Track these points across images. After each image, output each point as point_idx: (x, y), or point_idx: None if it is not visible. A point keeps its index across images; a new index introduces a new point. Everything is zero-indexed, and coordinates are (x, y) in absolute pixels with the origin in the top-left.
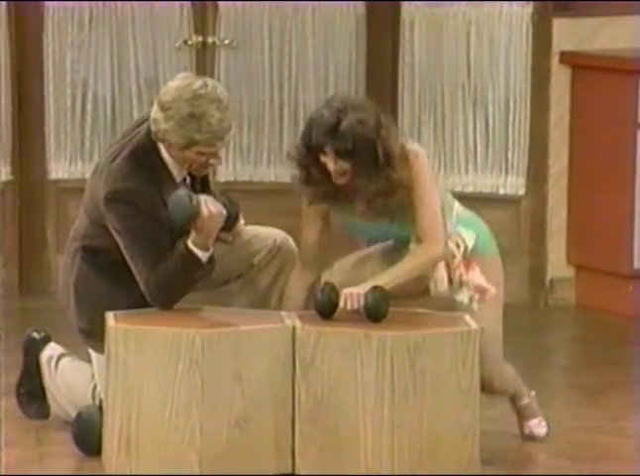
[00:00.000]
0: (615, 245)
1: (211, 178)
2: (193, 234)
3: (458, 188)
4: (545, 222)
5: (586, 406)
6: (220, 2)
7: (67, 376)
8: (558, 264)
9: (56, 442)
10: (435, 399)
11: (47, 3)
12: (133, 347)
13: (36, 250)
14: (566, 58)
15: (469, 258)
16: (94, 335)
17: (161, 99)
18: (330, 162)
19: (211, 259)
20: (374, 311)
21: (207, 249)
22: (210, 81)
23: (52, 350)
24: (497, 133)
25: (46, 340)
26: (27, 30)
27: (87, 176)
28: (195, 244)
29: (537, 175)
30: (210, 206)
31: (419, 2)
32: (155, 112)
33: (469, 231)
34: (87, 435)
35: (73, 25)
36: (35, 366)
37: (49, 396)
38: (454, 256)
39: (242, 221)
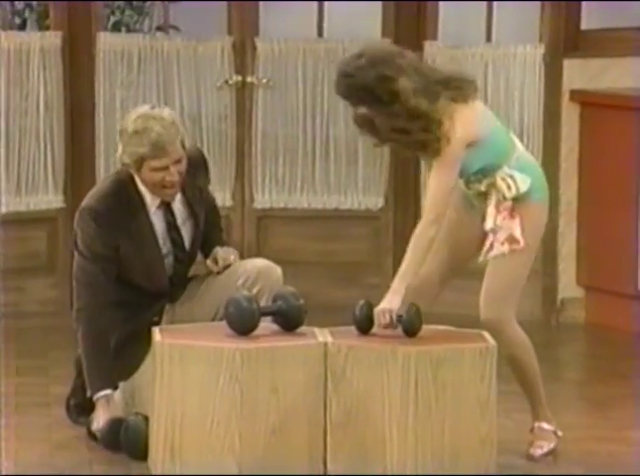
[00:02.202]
0: (621, 267)
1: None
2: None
3: None
4: (556, 246)
5: (595, 417)
6: (258, 44)
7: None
8: (568, 285)
9: (104, 448)
10: (455, 410)
11: (98, 47)
12: (177, 361)
13: None
14: (575, 96)
15: (518, 202)
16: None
17: (118, 131)
18: (354, 109)
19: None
20: (410, 328)
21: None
22: (161, 107)
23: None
24: None
25: None
26: (80, 72)
27: None
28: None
29: (549, 202)
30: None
31: (440, 43)
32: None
33: (524, 175)
34: (134, 441)
35: (123, 66)
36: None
37: None
38: (504, 197)
39: (232, 257)
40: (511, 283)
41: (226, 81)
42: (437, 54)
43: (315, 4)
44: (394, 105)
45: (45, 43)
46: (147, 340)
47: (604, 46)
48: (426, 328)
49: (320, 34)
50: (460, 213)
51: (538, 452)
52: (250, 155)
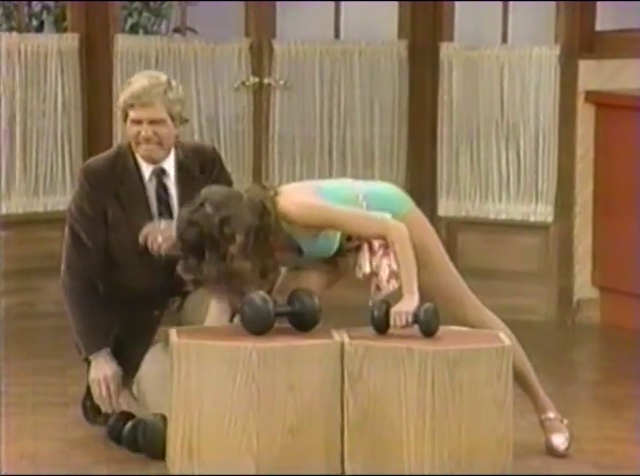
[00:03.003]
0: (637, 268)
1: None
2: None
3: (492, 216)
4: (572, 247)
5: (610, 417)
6: (275, 46)
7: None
8: (584, 286)
9: (123, 447)
10: (472, 410)
11: (115, 49)
12: (194, 361)
13: None
14: (590, 96)
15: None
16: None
17: None
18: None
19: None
20: (428, 327)
21: None
22: (157, 72)
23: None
24: (528, 165)
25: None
26: (97, 73)
27: None
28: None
29: (564, 203)
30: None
31: (457, 45)
32: None
33: (382, 212)
34: (152, 441)
35: (140, 68)
36: None
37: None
38: (372, 242)
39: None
40: (449, 288)
41: (243, 83)
42: (453, 55)
43: (332, 5)
44: (220, 261)
45: (62, 45)
46: (147, 337)
47: (619, 47)
48: (442, 329)
49: (337, 35)
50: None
51: (563, 446)
52: (267, 156)
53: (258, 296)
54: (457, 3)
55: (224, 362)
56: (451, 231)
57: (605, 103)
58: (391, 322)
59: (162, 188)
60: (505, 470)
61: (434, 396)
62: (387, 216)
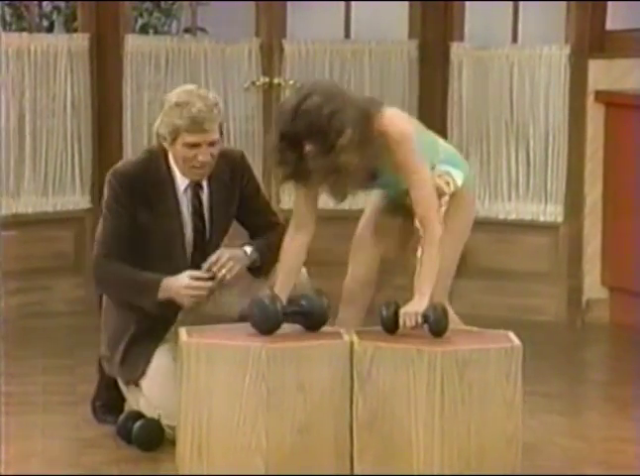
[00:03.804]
0: None
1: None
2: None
3: (502, 216)
4: (581, 247)
5: (620, 417)
6: (285, 46)
7: (134, 390)
8: (593, 285)
9: (134, 446)
10: (481, 410)
11: (125, 49)
12: (204, 360)
13: None
14: (600, 96)
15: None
16: (110, 360)
17: (162, 103)
18: (306, 145)
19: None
20: (437, 328)
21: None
22: (205, 88)
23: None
24: (538, 165)
25: None
26: (107, 74)
27: None
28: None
29: (574, 203)
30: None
31: (467, 45)
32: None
33: (457, 170)
34: (149, 437)
35: (150, 68)
36: (112, 381)
37: (126, 408)
38: (443, 193)
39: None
40: (443, 268)
41: (253, 83)
42: (463, 55)
43: (342, 5)
44: (330, 152)
45: (72, 45)
46: (161, 335)
47: (630, 46)
48: (451, 329)
49: (347, 35)
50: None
51: None
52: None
53: (266, 296)
54: (467, 3)
55: (233, 362)
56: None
57: (615, 103)
58: (400, 323)
59: (198, 201)
60: (515, 470)
61: (443, 396)
62: (442, 210)
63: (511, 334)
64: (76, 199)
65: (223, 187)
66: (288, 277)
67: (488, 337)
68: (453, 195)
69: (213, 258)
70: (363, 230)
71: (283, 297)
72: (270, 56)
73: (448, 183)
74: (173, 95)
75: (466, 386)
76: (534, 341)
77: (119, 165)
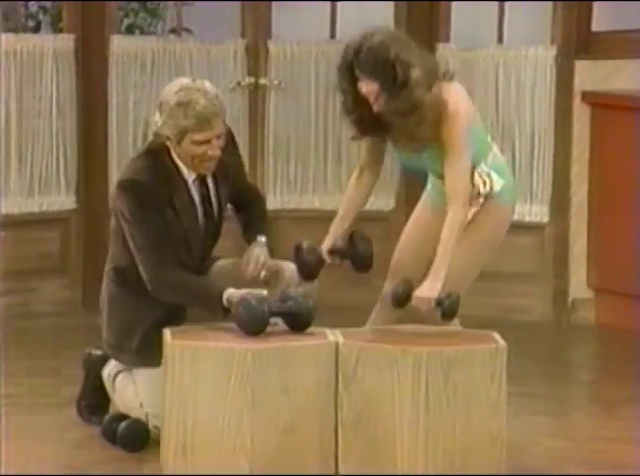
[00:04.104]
0: (632, 269)
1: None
2: (234, 293)
3: None
4: (567, 247)
5: (606, 417)
6: (271, 46)
7: (121, 391)
8: (579, 286)
9: (119, 447)
10: (466, 410)
11: (111, 49)
12: (189, 362)
13: (98, 272)
14: (586, 97)
15: (488, 201)
16: (120, 348)
17: (158, 102)
18: (362, 85)
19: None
20: (450, 314)
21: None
22: (201, 80)
23: (110, 367)
24: (523, 165)
25: (105, 357)
26: (93, 74)
27: None
28: (229, 300)
29: (560, 204)
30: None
31: (453, 45)
32: (155, 116)
33: (499, 177)
34: (134, 438)
35: (136, 69)
36: (97, 382)
37: (111, 408)
38: (478, 193)
39: (262, 258)
40: (463, 276)
41: (238, 83)
42: (449, 55)
43: (328, 6)
44: (402, 90)
45: (58, 45)
46: (178, 326)
47: (616, 47)
48: (436, 329)
49: (333, 35)
50: (432, 213)
51: None
52: (262, 156)
53: (252, 297)
54: (453, 3)
55: (218, 363)
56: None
57: (601, 104)
58: (413, 305)
59: (206, 188)
60: (500, 470)
61: (428, 396)
62: (472, 211)
63: (496, 335)
64: (62, 200)
65: (222, 167)
66: (348, 214)
67: (474, 337)
68: (487, 202)
69: (251, 265)
70: (402, 255)
71: (341, 229)
72: (256, 56)
73: (485, 184)
74: (172, 94)
75: (450, 386)
76: (519, 341)
77: (129, 175)
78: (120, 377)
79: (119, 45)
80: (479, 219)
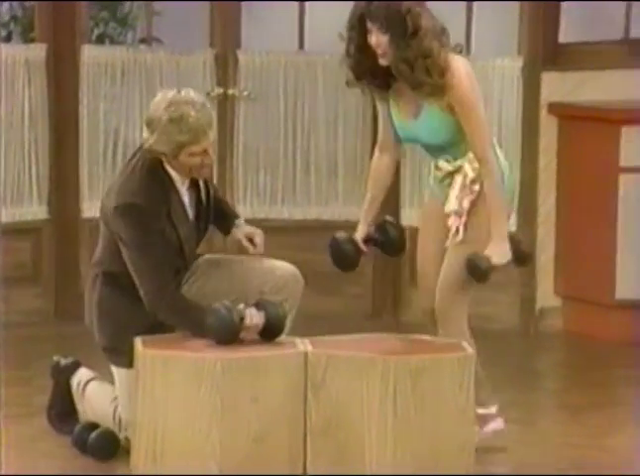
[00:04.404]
0: (599, 277)
1: (213, 191)
2: None
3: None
4: (534, 256)
5: (573, 424)
6: (240, 57)
7: (92, 399)
8: (546, 294)
9: (89, 456)
10: (434, 418)
11: (82, 59)
12: (160, 371)
13: (70, 281)
14: (553, 108)
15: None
16: (115, 351)
17: (145, 119)
18: (372, 35)
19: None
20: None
21: None
22: (185, 89)
23: (80, 375)
24: None
25: (74, 366)
26: (64, 84)
27: None
28: None
29: (528, 213)
30: (253, 320)
31: None
32: (144, 132)
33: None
34: (104, 447)
35: (107, 79)
36: (66, 390)
37: (80, 416)
38: (466, 177)
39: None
40: (452, 277)
41: (208, 94)
42: None
43: (296, 17)
44: (412, 39)
45: (30, 55)
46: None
47: (582, 59)
48: (405, 337)
49: (301, 46)
50: (439, 212)
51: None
52: (231, 166)
53: (223, 306)
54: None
55: (189, 372)
56: (414, 241)
57: (568, 115)
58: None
59: (196, 190)
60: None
61: (396, 404)
62: (470, 198)
63: (464, 343)
64: (34, 210)
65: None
66: (376, 198)
67: (442, 346)
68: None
69: (257, 239)
70: (424, 266)
71: (372, 215)
72: (225, 67)
73: (475, 170)
74: (161, 111)
75: (419, 394)
76: (488, 349)
77: (127, 199)
78: (92, 385)
79: (90, 55)
80: (479, 212)
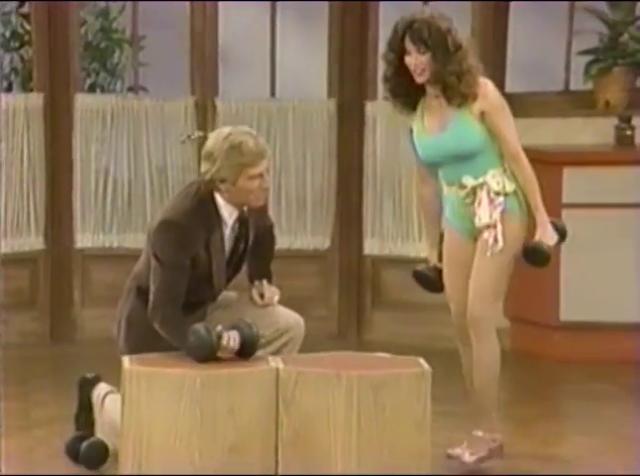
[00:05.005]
0: (544, 301)
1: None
2: None
3: (413, 254)
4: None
5: (520, 435)
6: (218, 104)
7: (110, 410)
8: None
9: (81, 465)
10: (394, 428)
11: (76, 106)
12: (144, 386)
13: (64, 306)
14: None
15: (503, 214)
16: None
17: (204, 154)
18: (412, 57)
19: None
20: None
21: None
22: (239, 126)
23: (99, 389)
24: None
25: (95, 380)
26: (59, 128)
27: (108, 245)
28: None
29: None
30: (229, 342)
31: (380, 103)
32: (203, 166)
33: (509, 182)
34: (94, 456)
35: (98, 123)
36: (87, 401)
37: (97, 427)
38: (491, 190)
39: (276, 298)
40: (496, 281)
41: (189, 136)
42: (377, 112)
43: (268, 67)
44: (455, 55)
45: (29, 103)
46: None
47: (527, 107)
48: (367, 355)
49: (273, 94)
50: (459, 246)
51: (471, 459)
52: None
53: (202, 327)
54: (381, 63)
55: (170, 387)
56: (375, 268)
57: None
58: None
59: (241, 227)
60: None
61: (359, 416)
62: (499, 210)
63: (422, 360)
64: (31, 241)
65: (254, 213)
66: (433, 223)
67: (401, 363)
68: (504, 218)
69: (268, 293)
70: (454, 298)
71: (435, 240)
72: (204, 112)
73: (498, 183)
74: (220, 141)
75: (380, 407)
76: (443, 366)
77: (173, 216)
78: (109, 398)
79: (83, 102)
80: (506, 220)
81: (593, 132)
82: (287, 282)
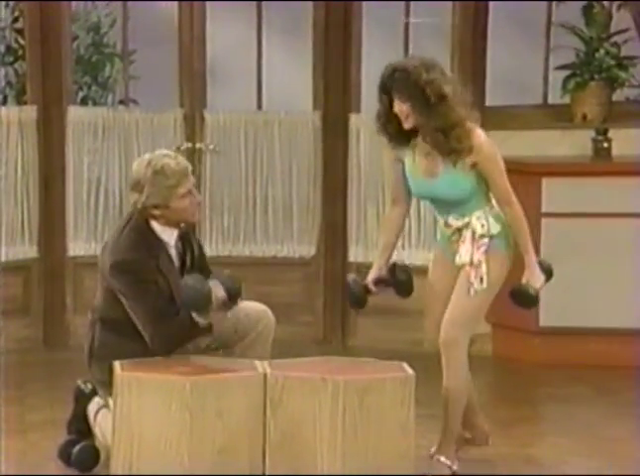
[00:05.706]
0: None
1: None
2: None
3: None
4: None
5: (500, 436)
6: (206, 116)
7: (102, 425)
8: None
9: (73, 469)
10: (379, 431)
11: (68, 119)
12: (135, 391)
13: (57, 313)
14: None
15: (488, 249)
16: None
17: (130, 185)
18: (396, 103)
19: (209, 325)
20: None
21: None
22: (157, 151)
23: (93, 404)
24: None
25: (91, 394)
26: (52, 140)
27: (99, 253)
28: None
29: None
30: (217, 292)
31: (364, 115)
32: (132, 197)
33: (495, 222)
34: (86, 459)
35: (89, 135)
36: (82, 413)
37: (96, 439)
38: (475, 233)
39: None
40: (477, 314)
41: (178, 148)
42: (361, 124)
43: (254, 80)
44: (438, 107)
45: (22, 116)
46: None
47: (506, 120)
48: (352, 360)
49: (259, 106)
50: (444, 266)
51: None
52: (199, 210)
53: (191, 278)
54: (364, 75)
55: (160, 392)
56: (360, 274)
57: None
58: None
59: (182, 243)
60: None
61: (345, 420)
62: (482, 250)
63: (405, 365)
64: (25, 250)
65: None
66: (388, 245)
67: (385, 368)
68: (489, 252)
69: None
70: (432, 304)
71: (384, 259)
72: (193, 124)
73: (483, 226)
74: (143, 169)
75: (365, 410)
76: (426, 370)
77: (121, 256)
78: (101, 413)
79: (75, 115)
80: (488, 260)
81: (571, 144)
82: (274, 288)
